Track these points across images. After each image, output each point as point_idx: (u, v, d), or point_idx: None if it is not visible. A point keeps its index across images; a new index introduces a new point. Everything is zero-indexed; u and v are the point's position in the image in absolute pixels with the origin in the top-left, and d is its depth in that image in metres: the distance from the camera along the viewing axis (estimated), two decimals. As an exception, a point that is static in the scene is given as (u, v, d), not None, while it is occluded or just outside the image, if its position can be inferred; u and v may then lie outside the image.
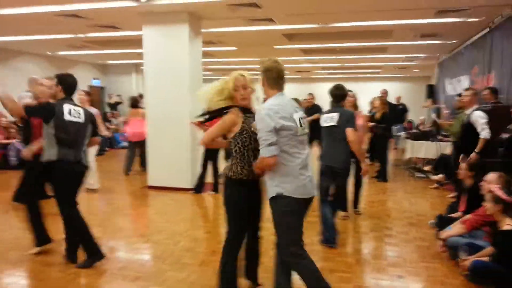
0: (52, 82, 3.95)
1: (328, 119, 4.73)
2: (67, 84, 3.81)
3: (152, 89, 7.31)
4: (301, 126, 2.84)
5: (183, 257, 4.15)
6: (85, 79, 15.13)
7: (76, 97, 4.50)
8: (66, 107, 3.71)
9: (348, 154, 4.63)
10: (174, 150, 7.17)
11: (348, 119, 4.60)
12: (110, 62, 16.20)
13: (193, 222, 5.50)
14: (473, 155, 5.40)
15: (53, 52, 13.31)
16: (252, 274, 3.37)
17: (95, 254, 3.85)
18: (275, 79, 2.97)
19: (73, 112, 3.73)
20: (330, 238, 4.51)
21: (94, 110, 5.59)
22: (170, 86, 7.15)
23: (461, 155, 5.43)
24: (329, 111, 4.81)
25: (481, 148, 5.39)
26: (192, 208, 6.26)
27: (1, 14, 7.29)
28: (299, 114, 2.89)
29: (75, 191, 3.84)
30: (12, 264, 3.95)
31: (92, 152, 6.24)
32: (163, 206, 6.21)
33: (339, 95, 4.87)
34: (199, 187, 7.01)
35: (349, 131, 4.48)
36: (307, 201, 2.88)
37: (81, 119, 3.80)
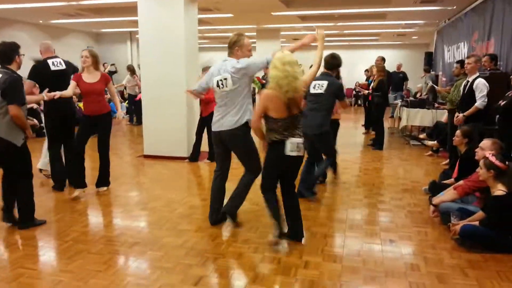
0: None
1: (317, 86, 4.77)
2: None
3: (147, 58, 7.23)
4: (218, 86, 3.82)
5: (179, 224, 4.21)
6: (79, 48, 14.77)
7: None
8: None
9: (325, 121, 4.86)
10: (170, 119, 7.16)
11: (335, 90, 4.70)
12: (104, 30, 15.93)
13: (189, 190, 5.55)
14: (460, 116, 5.48)
15: (46, 21, 13.06)
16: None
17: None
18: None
19: None
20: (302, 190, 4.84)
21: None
22: (166, 54, 7.06)
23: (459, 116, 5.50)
24: (319, 78, 4.82)
25: (471, 113, 5.47)
26: (188, 177, 6.31)
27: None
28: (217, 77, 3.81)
29: None
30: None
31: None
32: (159, 175, 6.25)
33: (334, 64, 4.89)
34: (194, 156, 7.04)
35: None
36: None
37: None
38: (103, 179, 5.36)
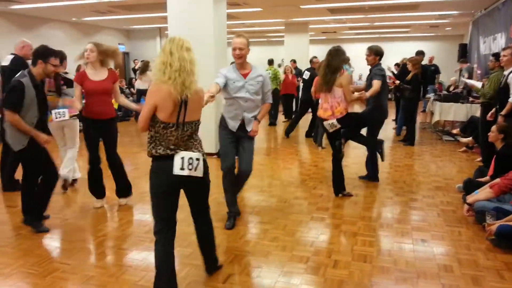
0: None
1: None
2: None
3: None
4: None
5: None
6: (110, 45, 15.19)
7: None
8: None
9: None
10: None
11: None
12: (135, 27, 16.18)
13: (218, 187, 5.57)
14: (500, 118, 5.24)
15: (79, 18, 13.37)
16: None
17: None
18: None
19: None
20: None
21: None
22: (195, 49, 6.92)
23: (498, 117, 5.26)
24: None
25: (509, 110, 5.20)
26: (216, 173, 6.31)
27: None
28: None
29: None
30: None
31: None
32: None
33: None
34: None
35: None
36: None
37: None
38: (123, 189, 4.81)
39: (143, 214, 4.50)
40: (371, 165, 5.61)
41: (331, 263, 3.29)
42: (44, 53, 3.84)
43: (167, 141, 2.57)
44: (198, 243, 3.08)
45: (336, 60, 4.67)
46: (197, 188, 2.81)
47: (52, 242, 3.76)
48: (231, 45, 3.82)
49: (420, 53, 9.71)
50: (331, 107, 4.74)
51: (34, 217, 4.00)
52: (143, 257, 3.45)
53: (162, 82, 2.50)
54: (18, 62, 5.12)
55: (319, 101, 5.02)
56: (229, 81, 3.84)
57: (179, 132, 2.58)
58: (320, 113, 4.85)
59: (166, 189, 2.63)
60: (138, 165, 6.69)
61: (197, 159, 2.60)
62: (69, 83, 4.91)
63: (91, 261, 3.39)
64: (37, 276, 3.12)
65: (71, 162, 5.22)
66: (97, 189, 4.69)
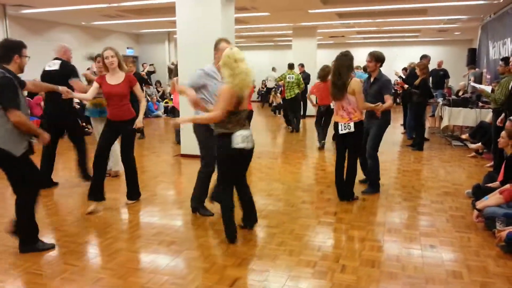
0: None
1: None
2: None
3: (184, 57, 7.33)
4: None
5: (216, 224, 4.24)
6: (119, 49, 15.12)
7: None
8: None
9: None
10: (207, 118, 7.21)
11: None
12: (143, 31, 16.29)
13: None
14: (508, 123, 5.19)
15: (88, 22, 13.50)
16: None
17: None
18: None
19: None
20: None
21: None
22: (203, 53, 7.05)
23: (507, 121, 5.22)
24: None
25: None
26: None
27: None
28: None
29: None
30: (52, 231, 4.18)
31: None
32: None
33: None
34: None
35: None
36: None
37: None
38: (132, 192, 4.94)
39: (151, 217, 4.51)
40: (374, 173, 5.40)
41: (339, 268, 3.27)
42: (17, 47, 3.53)
43: (234, 123, 3.59)
44: (240, 204, 3.97)
45: (344, 66, 4.66)
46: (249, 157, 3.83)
47: (60, 244, 3.78)
48: (223, 49, 3.94)
49: (424, 57, 9.67)
50: (348, 114, 4.71)
51: (30, 238, 3.60)
52: (151, 259, 3.46)
53: (232, 88, 3.48)
54: (68, 66, 5.40)
55: (333, 107, 5.00)
56: (212, 82, 4.10)
57: (239, 117, 3.60)
58: (338, 119, 4.80)
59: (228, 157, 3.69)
60: (146, 167, 6.71)
61: (251, 135, 3.68)
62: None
63: (100, 263, 3.40)
64: (45, 278, 3.14)
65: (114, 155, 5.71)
66: (94, 189, 4.61)
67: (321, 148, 8.34)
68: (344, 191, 4.94)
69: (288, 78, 10.36)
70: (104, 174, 4.73)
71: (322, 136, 8.48)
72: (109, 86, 4.51)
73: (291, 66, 11.06)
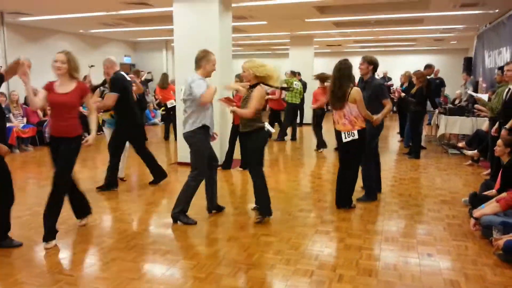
0: None
1: None
2: None
3: (182, 65, 7.34)
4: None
5: (212, 233, 4.23)
6: (117, 56, 15.25)
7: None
8: None
9: None
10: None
11: None
12: (141, 39, 16.32)
13: (221, 198, 5.56)
14: (503, 132, 5.21)
15: (86, 30, 13.52)
16: None
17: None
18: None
19: None
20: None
21: None
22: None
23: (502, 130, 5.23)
24: None
25: None
26: (220, 184, 6.31)
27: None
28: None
29: None
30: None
31: None
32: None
33: None
34: (227, 163, 7.07)
35: None
36: None
37: None
38: (80, 210, 4.38)
39: (147, 226, 4.48)
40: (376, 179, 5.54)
41: (336, 277, 3.25)
42: None
43: (262, 118, 4.48)
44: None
45: (345, 76, 4.68)
46: None
47: (55, 253, 3.74)
48: (212, 61, 4.44)
49: (428, 67, 9.72)
50: (350, 122, 4.71)
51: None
52: (146, 268, 3.43)
53: (274, 83, 4.47)
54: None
55: (333, 116, 4.92)
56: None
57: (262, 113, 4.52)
58: (340, 127, 4.79)
59: (263, 144, 4.57)
60: (142, 175, 6.68)
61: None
62: None
63: (95, 273, 3.37)
64: (40, 287, 3.11)
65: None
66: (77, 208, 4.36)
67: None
68: (343, 199, 4.93)
69: (295, 85, 10.34)
70: (77, 191, 4.27)
71: (323, 143, 8.87)
72: (56, 94, 3.86)
73: (295, 74, 11.17)
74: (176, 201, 4.50)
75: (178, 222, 4.46)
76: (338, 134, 4.84)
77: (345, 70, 4.70)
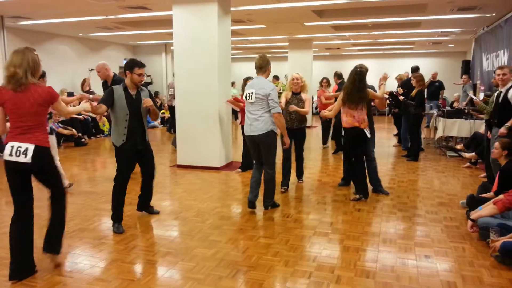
0: None
1: None
2: None
3: (181, 69, 7.38)
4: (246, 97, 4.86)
5: (211, 234, 4.25)
6: (116, 60, 15.39)
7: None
8: None
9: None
10: (203, 129, 7.26)
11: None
12: (141, 42, 16.36)
13: (221, 201, 5.59)
14: (502, 129, 5.24)
15: (85, 34, 13.56)
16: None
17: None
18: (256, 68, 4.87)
19: None
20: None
21: None
22: (199, 65, 7.20)
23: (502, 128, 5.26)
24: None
25: None
26: (220, 187, 6.35)
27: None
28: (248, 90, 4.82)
29: None
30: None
31: None
32: (191, 185, 6.33)
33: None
34: (244, 166, 7.15)
35: None
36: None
37: None
38: (51, 242, 3.53)
39: (146, 227, 4.51)
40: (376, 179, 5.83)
41: (334, 278, 3.28)
42: None
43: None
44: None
45: (364, 79, 5.23)
46: None
47: (54, 255, 3.75)
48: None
49: (415, 70, 9.75)
50: (358, 121, 5.24)
51: None
52: (146, 270, 3.45)
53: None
54: None
55: (342, 116, 5.46)
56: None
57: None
58: (349, 123, 5.29)
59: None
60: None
61: None
62: None
63: (94, 275, 3.39)
64: (39, 289, 3.13)
65: None
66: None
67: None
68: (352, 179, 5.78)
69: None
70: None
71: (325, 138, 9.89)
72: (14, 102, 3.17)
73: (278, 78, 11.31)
74: (266, 193, 5.00)
75: (269, 207, 5.04)
76: (344, 129, 5.39)
77: (364, 74, 5.26)
